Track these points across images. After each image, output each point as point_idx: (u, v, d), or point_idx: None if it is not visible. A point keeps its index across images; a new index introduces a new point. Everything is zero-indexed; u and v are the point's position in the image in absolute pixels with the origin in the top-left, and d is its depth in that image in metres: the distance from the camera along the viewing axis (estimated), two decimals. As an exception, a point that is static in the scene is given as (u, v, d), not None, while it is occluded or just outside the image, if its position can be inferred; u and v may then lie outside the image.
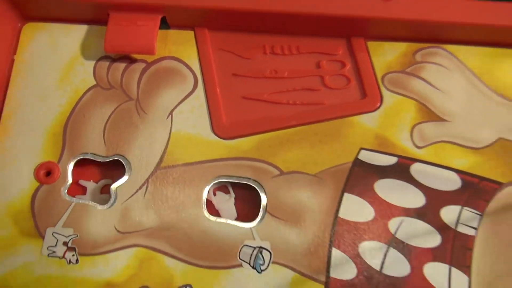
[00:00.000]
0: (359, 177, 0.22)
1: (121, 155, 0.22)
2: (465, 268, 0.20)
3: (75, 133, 0.22)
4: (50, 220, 0.21)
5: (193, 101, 0.23)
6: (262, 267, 0.20)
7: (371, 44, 0.23)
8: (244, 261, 0.20)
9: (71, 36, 0.24)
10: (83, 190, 0.22)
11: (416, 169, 0.22)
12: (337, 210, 0.21)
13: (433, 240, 0.21)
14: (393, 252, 0.21)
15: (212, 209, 0.22)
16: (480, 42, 0.23)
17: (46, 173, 0.22)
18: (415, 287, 0.20)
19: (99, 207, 0.21)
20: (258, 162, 0.22)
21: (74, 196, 0.22)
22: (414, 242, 0.21)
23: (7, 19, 0.23)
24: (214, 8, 0.22)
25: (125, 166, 0.22)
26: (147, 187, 0.21)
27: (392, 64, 0.23)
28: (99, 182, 0.22)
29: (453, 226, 0.21)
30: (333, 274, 0.20)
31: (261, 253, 0.20)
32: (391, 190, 0.21)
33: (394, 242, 0.21)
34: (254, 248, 0.21)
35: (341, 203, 0.21)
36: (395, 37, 0.23)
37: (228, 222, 0.21)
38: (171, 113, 0.23)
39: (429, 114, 0.22)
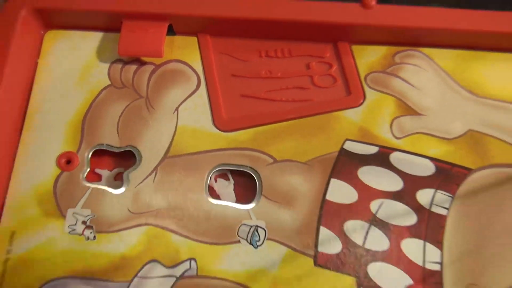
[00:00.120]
0: (344, 164, 0.24)
1: (133, 146, 0.25)
2: (438, 243, 0.23)
3: (92, 126, 0.25)
4: (70, 202, 0.23)
5: (197, 99, 0.26)
6: (258, 243, 0.23)
7: (355, 48, 0.26)
8: (242, 238, 0.23)
9: (88, 42, 0.27)
10: (99, 177, 0.25)
11: (395, 157, 0.24)
12: (325, 194, 0.24)
13: (410, 219, 0.23)
14: (374, 229, 0.23)
15: (214, 194, 0.25)
16: (452, 45, 0.26)
17: (67, 161, 0.24)
18: (394, 260, 0.22)
19: (113, 191, 0.24)
20: (254, 152, 0.25)
21: (91, 182, 0.24)
22: (393, 221, 0.23)
23: (32, 27, 0.26)
24: (215, 16, 0.25)
25: (136, 156, 0.24)
26: (155, 174, 0.24)
27: (374, 65, 0.26)
28: (113, 170, 0.25)
29: (427, 207, 0.23)
30: (321, 249, 0.23)
31: (257, 231, 0.23)
32: (372, 176, 0.24)
33: (375, 221, 0.23)
34: (251, 226, 0.23)
35: (328, 187, 0.24)
36: (376, 41, 0.26)
37: (228, 204, 0.24)
38: (177, 109, 0.25)
39: (407, 109, 0.25)
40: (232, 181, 0.25)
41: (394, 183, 0.24)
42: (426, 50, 0.26)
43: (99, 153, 0.25)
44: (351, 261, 0.23)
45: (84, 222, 0.23)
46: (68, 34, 0.27)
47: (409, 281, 0.22)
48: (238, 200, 0.24)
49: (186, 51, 0.27)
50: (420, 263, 0.22)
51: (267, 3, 0.25)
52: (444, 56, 0.26)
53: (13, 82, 0.25)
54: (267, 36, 0.26)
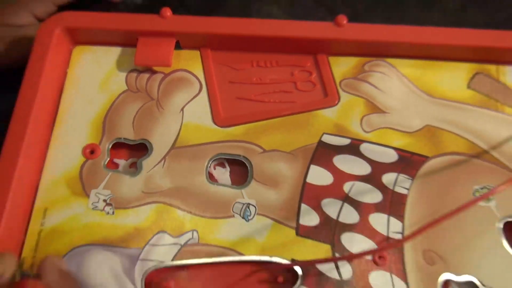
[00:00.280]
0: (322, 153, 0.29)
1: (146, 139, 0.30)
2: (400, 217, 0.27)
3: (111, 123, 0.30)
4: (93, 184, 0.28)
5: (199, 101, 0.31)
6: (249, 217, 0.27)
7: (331, 59, 0.32)
8: (236, 213, 0.27)
9: (109, 55, 0.32)
10: (117, 165, 0.30)
11: (364, 148, 0.29)
12: (305, 177, 0.28)
13: (376, 197, 0.28)
14: (346, 206, 0.28)
15: (213, 179, 0.29)
16: (412, 56, 0.31)
17: (90, 151, 0.29)
18: (362, 230, 0.27)
19: (129, 176, 0.29)
20: (247, 144, 0.29)
21: (110, 169, 0.29)
22: (362, 199, 0.28)
23: (63, 43, 0.32)
24: (214, 34, 0.31)
25: (148, 147, 0.29)
26: (164, 161, 0.29)
27: (347, 73, 0.31)
28: (129, 160, 0.30)
29: (391, 188, 0.28)
30: (302, 221, 0.27)
31: (248, 207, 0.28)
32: (345, 163, 0.29)
33: (347, 199, 0.28)
34: (243, 204, 0.28)
35: (308, 172, 0.28)
36: (348, 53, 0.31)
37: (224, 186, 0.28)
38: (182, 109, 0.30)
39: (374, 108, 0.30)
40: (228, 168, 0.30)
41: (363, 169, 0.29)
42: (390, 60, 0.31)
43: (117, 146, 0.30)
44: (327, 232, 0.27)
45: (104, 200, 0.28)
46: (93, 49, 0.32)
47: (375, 247, 0.26)
48: (233, 183, 0.29)
49: (190, 62, 0.32)
50: (384, 233, 0.27)
51: (258, 22, 0.31)
52: (405, 65, 0.31)
53: (47, 87, 0.30)
54: (257, 49, 0.32)
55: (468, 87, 0.31)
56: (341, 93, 0.31)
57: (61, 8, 0.36)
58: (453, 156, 0.29)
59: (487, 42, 0.30)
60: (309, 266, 0.26)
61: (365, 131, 0.30)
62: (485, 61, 0.31)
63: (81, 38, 0.32)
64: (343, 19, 0.30)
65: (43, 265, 0.24)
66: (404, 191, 0.28)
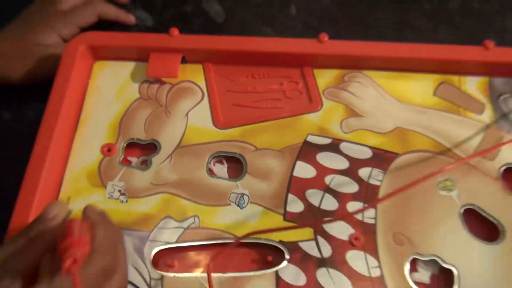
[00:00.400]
0: (307, 151, 0.33)
1: (155, 139, 0.34)
2: (374, 205, 0.31)
3: (126, 126, 0.35)
4: (110, 177, 0.33)
5: (201, 107, 0.36)
6: (243, 205, 0.32)
7: (316, 71, 0.36)
8: (232, 201, 0.32)
9: (125, 68, 0.37)
10: (130, 162, 0.34)
11: (343, 146, 0.34)
12: (292, 171, 0.33)
13: (353, 188, 0.32)
14: (327, 195, 0.32)
15: (212, 174, 0.34)
16: (385, 68, 0.36)
17: (108, 150, 0.34)
18: (341, 216, 0.31)
19: (140, 171, 0.33)
20: (242, 143, 0.34)
21: (124, 165, 0.34)
22: (340, 190, 0.32)
23: (86, 59, 0.37)
24: (215, 50, 0.36)
25: (157, 146, 0.34)
26: (171, 158, 0.34)
27: (329, 83, 0.36)
28: (140, 157, 0.35)
29: (366, 180, 0.32)
30: (288, 209, 0.31)
31: (242, 197, 0.32)
32: (327, 159, 0.33)
33: (328, 190, 0.32)
34: (238, 194, 0.32)
35: (295, 167, 0.33)
36: (330, 66, 0.36)
37: (222, 178, 0.33)
38: (187, 114, 0.35)
39: (352, 113, 0.35)
40: (225, 164, 0.34)
41: (342, 164, 0.33)
42: (366, 72, 0.36)
43: (131, 145, 0.35)
44: (310, 217, 0.31)
45: (119, 191, 0.32)
46: (111, 64, 0.38)
47: (352, 231, 0.31)
48: (230, 177, 0.33)
49: (194, 74, 0.37)
50: (360, 218, 0.31)
51: (252, 40, 0.36)
52: (379, 76, 0.36)
53: (72, 96, 0.35)
54: (252, 63, 0.37)
55: (434, 94, 0.35)
56: (324, 100, 0.35)
57: (83, 30, 0.41)
58: (420, 153, 0.33)
59: (450, 56, 0.35)
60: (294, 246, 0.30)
61: (344, 132, 0.34)
62: (449, 73, 0.36)
63: (101, 54, 0.38)
64: (325, 36, 0.35)
65: (86, 209, 0.27)
66: (377, 183, 0.32)
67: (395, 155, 0.33)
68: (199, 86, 0.36)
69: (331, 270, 0.29)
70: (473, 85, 0.36)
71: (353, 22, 0.44)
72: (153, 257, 0.30)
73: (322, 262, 0.30)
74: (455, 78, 0.36)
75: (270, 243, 0.30)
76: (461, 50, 0.35)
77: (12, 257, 0.23)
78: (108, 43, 0.37)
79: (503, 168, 0.32)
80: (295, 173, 0.33)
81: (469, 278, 0.29)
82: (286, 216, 0.31)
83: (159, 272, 0.30)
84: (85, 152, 0.34)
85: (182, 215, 0.31)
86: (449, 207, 0.31)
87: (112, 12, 0.44)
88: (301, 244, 0.30)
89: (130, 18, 0.45)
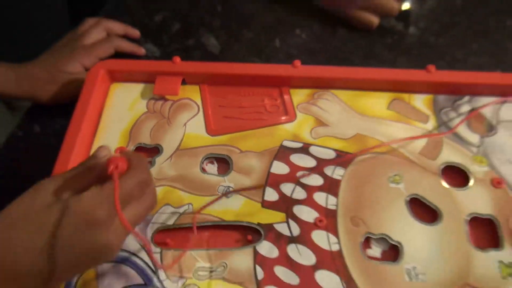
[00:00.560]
0: (282, 153, 0.41)
1: (159, 144, 0.42)
2: (335, 194, 0.38)
3: (135, 134, 0.43)
4: (121, 173, 0.40)
5: (197, 118, 0.43)
6: (229, 196, 0.39)
7: (291, 90, 0.45)
8: (220, 193, 0.39)
9: (136, 89, 0.46)
10: (137, 163, 0.42)
11: (312, 149, 0.41)
12: (270, 169, 0.40)
13: (319, 181, 0.39)
14: (297, 187, 0.39)
15: (205, 171, 0.41)
16: (348, 88, 0.44)
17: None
18: (308, 203, 0.38)
19: (146, 169, 0.41)
20: (229, 147, 0.41)
21: (133, 164, 0.41)
22: (309, 183, 0.39)
23: (104, 82, 0.46)
24: (209, 74, 0.44)
25: (160, 149, 0.42)
26: (171, 158, 0.41)
27: (302, 99, 0.44)
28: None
29: (330, 175, 0.39)
30: (266, 198, 0.38)
31: (228, 189, 0.39)
32: (298, 159, 0.40)
33: (298, 183, 0.39)
34: (225, 186, 0.39)
35: (272, 165, 0.40)
36: (303, 86, 0.44)
37: (212, 174, 0.40)
38: (185, 124, 0.43)
39: (320, 123, 0.42)
40: (216, 164, 0.42)
41: (311, 163, 0.40)
42: (333, 91, 0.44)
43: (139, 149, 0.42)
44: (283, 205, 0.38)
45: (128, 183, 0.40)
46: (125, 85, 0.46)
47: (317, 215, 0.37)
48: (219, 173, 0.41)
49: (192, 93, 0.45)
50: (324, 205, 0.38)
51: (239, 66, 0.44)
52: (343, 94, 0.44)
53: (92, 111, 0.43)
54: (239, 84, 0.45)
55: (388, 108, 0.43)
56: (297, 113, 0.43)
57: (102, 59, 0.50)
58: (374, 154, 0.40)
59: (401, 78, 0.43)
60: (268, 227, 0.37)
61: (313, 138, 0.42)
62: (400, 91, 0.44)
63: (117, 77, 0.46)
64: (298, 62, 0.44)
65: (124, 150, 0.33)
66: (339, 178, 0.39)
67: (354, 155, 0.40)
68: (195, 102, 0.45)
69: (299, 246, 0.36)
70: (420, 101, 0.43)
71: (327, 53, 0.53)
72: (154, 235, 0.37)
73: (291, 240, 0.36)
74: (405, 96, 0.44)
75: (250, 225, 0.37)
76: (409, 73, 0.43)
77: (71, 182, 0.30)
78: (122, 68, 0.46)
79: (443, 166, 0.39)
80: (272, 170, 0.40)
81: (412, 252, 0.35)
82: (264, 203, 0.38)
83: (159, 247, 0.36)
84: (102, 153, 0.42)
85: (178, 203, 0.39)
86: (397, 196, 0.38)
87: (127, 46, 0.54)
88: (275, 226, 0.37)
89: (141, 51, 0.54)
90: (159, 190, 0.39)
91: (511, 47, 0.52)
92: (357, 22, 0.53)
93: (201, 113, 0.44)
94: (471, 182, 0.38)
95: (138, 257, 0.36)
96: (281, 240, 0.36)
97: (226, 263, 0.35)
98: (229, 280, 0.35)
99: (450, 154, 0.40)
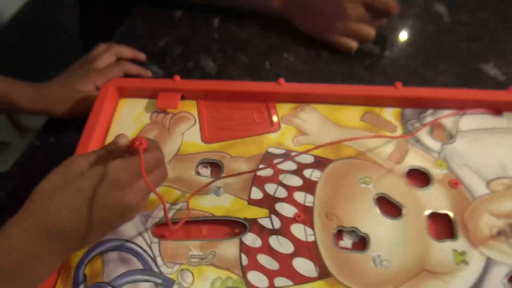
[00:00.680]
0: (267, 158, 0.47)
1: (159, 151, 0.48)
2: (313, 193, 0.44)
3: (139, 142, 0.49)
4: (126, 175, 0.46)
5: (193, 129, 0.50)
6: (220, 194, 0.44)
7: (277, 104, 0.51)
8: (212, 192, 0.44)
9: (141, 104, 0.52)
10: (141, 167, 0.48)
11: (293, 155, 0.47)
12: (256, 171, 0.46)
13: (299, 182, 0.45)
14: (279, 187, 0.44)
15: (199, 174, 0.47)
16: (326, 102, 0.50)
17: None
18: (289, 201, 0.43)
19: (148, 172, 0.46)
20: (221, 153, 0.47)
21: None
22: (289, 183, 0.45)
23: (114, 97, 0.52)
24: (204, 91, 0.51)
25: (161, 155, 0.48)
26: (170, 163, 0.47)
27: (286, 112, 0.50)
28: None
29: (308, 177, 0.45)
30: (252, 196, 0.44)
31: (219, 189, 0.45)
32: (282, 164, 0.46)
33: (281, 184, 0.45)
34: (216, 187, 0.45)
35: (258, 169, 0.46)
36: (287, 101, 0.51)
37: (205, 177, 0.46)
38: (183, 134, 0.49)
39: (301, 132, 0.48)
40: (209, 168, 0.47)
41: (292, 166, 0.46)
42: (313, 105, 0.50)
43: (142, 155, 0.48)
44: (266, 202, 0.43)
45: (132, 184, 0.45)
46: (131, 100, 0.53)
47: (296, 210, 0.43)
48: (211, 175, 0.46)
49: (190, 107, 0.52)
50: (302, 202, 0.43)
51: (231, 83, 0.51)
52: (322, 107, 0.50)
53: (102, 122, 0.49)
54: (231, 99, 0.51)
55: (361, 120, 0.49)
56: (282, 124, 0.49)
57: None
58: (348, 159, 0.46)
59: (372, 93, 0.49)
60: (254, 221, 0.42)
61: (295, 145, 0.47)
62: (372, 105, 0.50)
63: (124, 93, 0.53)
64: (282, 80, 0.50)
65: (146, 137, 0.38)
66: (316, 179, 0.45)
67: (330, 160, 0.46)
68: (192, 115, 0.51)
69: (279, 237, 0.41)
70: (389, 113, 0.49)
71: (312, 74, 0.59)
72: (153, 228, 0.42)
73: (273, 232, 0.41)
74: (376, 109, 0.50)
75: (237, 220, 0.43)
76: (379, 89, 0.50)
77: (96, 158, 0.37)
78: (129, 86, 0.52)
79: (407, 169, 0.45)
80: (258, 173, 0.46)
81: (378, 242, 0.40)
82: (250, 201, 0.44)
83: (157, 238, 0.42)
84: (110, 158, 0.48)
85: (175, 200, 0.44)
86: (367, 195, 0.43)
87: (134, 70, 0.60)
88: (259, 220, 0.42)
89: (148, 73, 0.61)
90: (159, 190, 0.45)
91: (475, 68, 0.58)
92: (338, 46, 0.60)
93: (197, 124, 0.50)
94: (432, 183, 0.44)
95: (138, 245, 0.41)
96: (264, 232, 0.42)
97: (215, 252, 0.41)
98: (218, 266, 0.40)
99: (414, 159, 0.46)
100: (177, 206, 0.44)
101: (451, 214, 0.42)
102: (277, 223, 0.42)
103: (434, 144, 0.47)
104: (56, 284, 0.39)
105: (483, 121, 0.48)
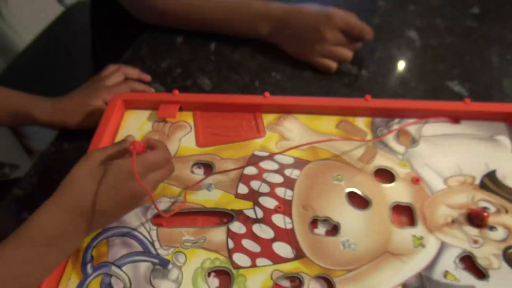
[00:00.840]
0: (254, 160, 0.53)
1: (159, 154, 0.55)
2: (292, 189, 0.50)
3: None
4: (130, 174, 0.53)
5: (189, 135, 0.56)
6: (211, 189, 0.51)
7: (263, 115, 0.58)
8: (204, 187, 0.51)
9: (144, 114, 0.59)
10: (143, 168, 0.55)
11: (276, 157, 0.53)
12: (243, 171, 0.52)
13: (280, 179, 0.51)
14: (263, 184, 0.51)
15: (193, 173, 0.53)
16: (305, 112, 0.57)
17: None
18: (271, 195, 0.49)
19: (149, 172, 0.53)
20: (213, 155, 0.54)
21: (139, 168, 0.54)
22: (272, 180, 0.51)
23: (120, 109, 0.59)
24: (200, 103, 0.58)
25: (160, 158, 0.54)
26: (168, 164, 0.54)
27: (271, 121, 0.57)
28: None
29: (288, 175, 0.51)
30: (239, 191, 0.50)
31: (211, 185, 0.51)
32: (265, 164, 0.53)
33: (264, 181, 0.51)
34: (208, 183, 0.51)
35: (245, 168, 0.52)
36: (272, 111, 0.58)
37: (199, 175, 0.52)
38: (180, 139, 0.56)
39: (284, 138, 0.55)
40: (202, 169, 0.54)
41: (275, 167, 0.52)
42: (295, 115, 0.57)
43: (144, 157, 0.55)
44: (251, 196, 0.50)
45: (135, 181, 0.52)
46: (136, 111, 0.60)
47: (277, 203, 0.49)
48: (204, 174, 0.53)
49: (187, 117, 0.59)
50: (283, 196, 0.49)
51: (223, 96, 0.58)
52: (302, 117, 0.57)
53: (110, 130, 0.57)
54: (223, 110, 0.59)
55: (336, 127, 0.56)
56: (267, 131, 0.56)
57: (120, 94, 0.65)
58: (323, 161, 0.52)
59: (346, 104, 0.56)
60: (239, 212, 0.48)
61: (278, 149, 0.54)
62: (345, 115, 0.57)
63: (130, 106, 0.60)
64: (268, 94, 0.57)
65: (155, 139, 0.46)
66: (295, 177, 0.51)
67: (308, 161, 0.53)
68: (189, 124, 0.58)
69: (262, 225, 0.47)
70: (361, 122, 0.56)
71: (297, 90, 0.67)
72: (152, 218, 0.49)
73: (256, 221, 0.48)
74: (350, 118, 0.57)
75: (225, 211, 0.49)
76: (352, 101, 0.57)
77: (111, 153, 0.44)
78: (134, 99, 0.60)
79: (375, 169, 0.51)
80: (245, 172, 0.52)
81: (347, 229, 0.46)
82: (237, 195, 0.50)
83: (155, 226, 0.48)
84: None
85: (172, 194, 0.51)
86: (339, 190, 0.49)
87: (140, 87, 0.68)
88: (245, 211, 0.48)
89: (151, 90, 0.68)
90: (162, 185, 0.51)
91: (441, 85, 0.65)
92: (320, 66, 0.68)
93: (192, 131, 0.57)
94: (396, 180, 0.50)
95: (139, 232, 0.47)
96: (248, 221, 0.48)
97: (205, 237, 0.47)
98: (207, 249, 0.46)
99: (381, 160, 0.52)
100: (174, 199, 0.50)
101: (412, 205, 0.48)
102: (260, 213, 0.48)
103: (399, 148, 0.53)
104: (67, 263, 0.45)
105: (443, 128, 0.55)
